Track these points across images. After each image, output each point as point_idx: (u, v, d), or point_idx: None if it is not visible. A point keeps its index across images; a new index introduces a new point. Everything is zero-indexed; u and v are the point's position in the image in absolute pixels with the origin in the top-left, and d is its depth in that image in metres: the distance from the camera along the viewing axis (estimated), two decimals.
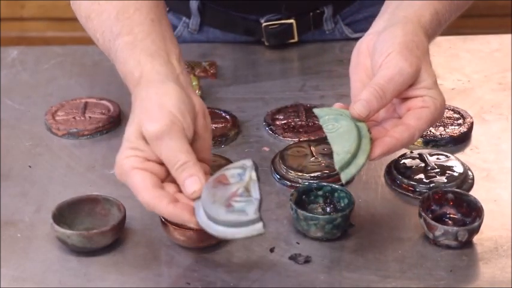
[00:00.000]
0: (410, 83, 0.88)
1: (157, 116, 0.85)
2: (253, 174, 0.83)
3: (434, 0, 0.95)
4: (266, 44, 1.39)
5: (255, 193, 0.82)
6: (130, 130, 0.87)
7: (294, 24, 1.38)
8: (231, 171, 0.85)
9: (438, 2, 0.96)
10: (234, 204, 0.81)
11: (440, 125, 1.17)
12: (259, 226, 0.80)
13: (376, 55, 0.89)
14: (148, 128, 0.85)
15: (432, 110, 0.87)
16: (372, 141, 0.87)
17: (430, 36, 0.94)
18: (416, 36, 0.88)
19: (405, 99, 0.90)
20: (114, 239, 0.96)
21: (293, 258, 0.95)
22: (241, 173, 0.84)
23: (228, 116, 1.20)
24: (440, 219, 0.98)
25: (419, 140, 1.15)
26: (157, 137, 0.85)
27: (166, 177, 0.87)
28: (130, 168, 0.85)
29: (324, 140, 1.07)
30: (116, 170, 0.87)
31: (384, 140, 0.88)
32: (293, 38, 1.39)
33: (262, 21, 1.37)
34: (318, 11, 1.39)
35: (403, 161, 1.09)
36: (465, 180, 1.07)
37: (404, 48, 0.87)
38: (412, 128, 0.87)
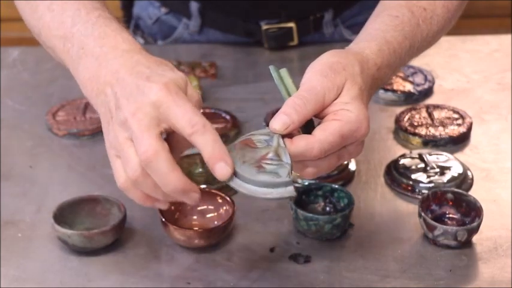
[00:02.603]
0: (332, 99, 0.85)
1: None
2: (281, 141, 0.83)
3: (391, 32, 0.95)
4: (266, 46, 1.39)
5: (286, 158, 0.82)
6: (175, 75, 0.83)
7: (294, 28, 1.38)
8: (257, 137, 0.85)
9: (392, 34, 0.95)
10: (265, 166, 0.82)
11: (439, 125, 1.18)
12: (291, 189, 0.81)
13: (303, 76, 0.88)
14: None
15: (343, 123, 0.83)
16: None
17: (382, 65, 0.92)
18: (344, 59, 0.87)
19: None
20: (115, 238, 0.96)
21: (293, 258, 0.95)
22: (268, 139, 0.84)
23: (228, 116, 1.20)
24: (439, 219, 0.98)
25: (419, 140, 1.15)
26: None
27: None
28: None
29: None
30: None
31: None
32: (293, 41, 1.39)
33: (262, 24, 1.38)
34: (318, 15, 1.39)
35: (402, 161, 1.09)
36: (464, 180, 1.07)
37: (327, 67, 0.86)
38: (311, 138, 0.83)
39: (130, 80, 0.82)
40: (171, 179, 0.78)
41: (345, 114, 0.84)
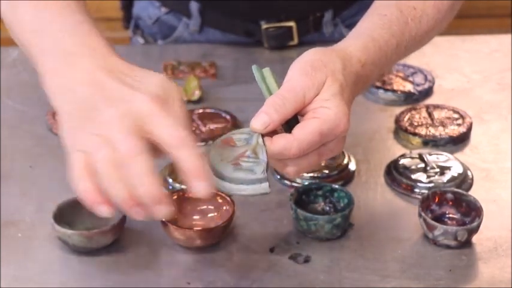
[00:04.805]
0: (313, 97, 0.85)
1: None
2: (260, 140, 0.84)
3: (378, 30, 0.95)
4: (266, 46, 1.40)
5: (263, 156, 0.83)
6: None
7: (294, 28, 1.38)
8: (237, 136, 0.86)
9: (379, 32, 0.95)
10: (242, 164, 0.83)
11: (439, 125, 1.18)
12: (265, 185, 0.83)
13: (287, 74, 0.88)
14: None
15: (321, 121, 0.83)
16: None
17: (367, 62, 0.92)
18: (326, 57, 0.88)
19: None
20: (115, 238, 0.96)
21: (293, 258, 0.95)
22: (247, 138, 0.86)
23: (228, 116, 1.20)
24: (439, 219, 0.98)
25: (419, 140, 1.15)
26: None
27: None
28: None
29: None
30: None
31: None
32: (293, 41, 1.39)
33: (262, 24, 1.38)
34: (317, 15, 1.40)
35: (402, 161, 1.09)
36: (464, 180, 1.07)
37: (309, 65, 0.86)
38: (290, 137, 0.83)
39: (110, 83, 0.81)
40: (147, 180, 0.76)
41: (324, 112, 0.84)
